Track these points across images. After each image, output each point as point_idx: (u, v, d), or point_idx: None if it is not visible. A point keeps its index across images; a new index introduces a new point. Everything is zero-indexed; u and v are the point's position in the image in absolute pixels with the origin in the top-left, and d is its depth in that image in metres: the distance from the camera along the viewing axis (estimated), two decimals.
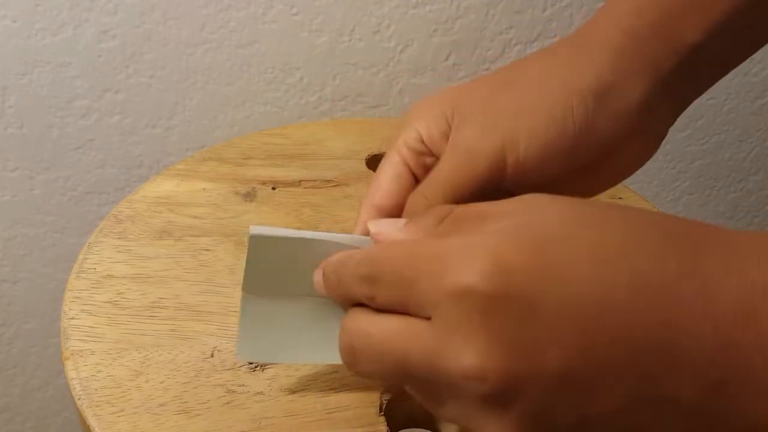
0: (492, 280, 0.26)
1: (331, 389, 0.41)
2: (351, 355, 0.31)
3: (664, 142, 0.42)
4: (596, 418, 0.27)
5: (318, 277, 0.35)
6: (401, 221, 0.34)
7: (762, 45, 0.41)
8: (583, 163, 0.38)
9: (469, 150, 0.36)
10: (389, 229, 0.33)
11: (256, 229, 0.35)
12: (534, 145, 0.36)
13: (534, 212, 0.29)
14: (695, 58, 0.38)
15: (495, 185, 0.37)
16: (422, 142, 0.38)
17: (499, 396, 0.27)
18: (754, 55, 0.41)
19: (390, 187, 0.38)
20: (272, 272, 0.36)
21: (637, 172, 0.43)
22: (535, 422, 0.27)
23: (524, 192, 0.35)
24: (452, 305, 0.27)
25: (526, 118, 0.36)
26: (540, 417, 0.27)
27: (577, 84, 0.37)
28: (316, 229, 0.50)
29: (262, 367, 0.42)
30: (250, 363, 0.41)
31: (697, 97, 0.41)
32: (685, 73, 0.39)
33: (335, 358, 0.33)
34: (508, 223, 0.29)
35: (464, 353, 0.27)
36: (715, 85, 0.42)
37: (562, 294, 0.27)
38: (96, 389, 0.39)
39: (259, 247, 0.36)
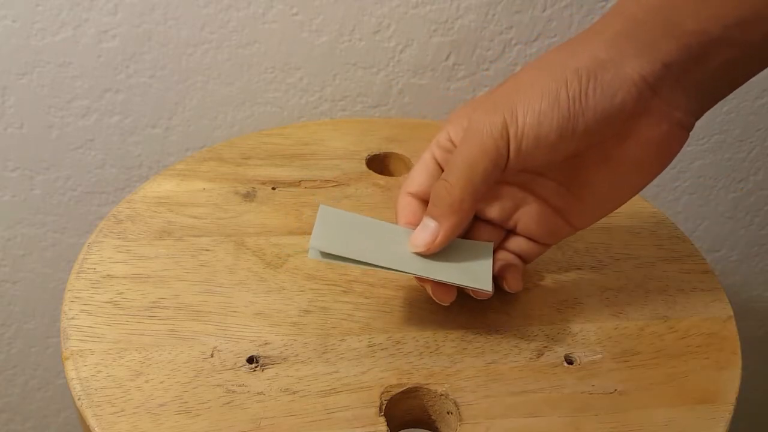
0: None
1: (331, 389, 0.41)
2: None
3: None
4: None
5: None
6: None
7: None
8: (590, 141, 0.40)
9: (477, 129, 0.40)
10: None
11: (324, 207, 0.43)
12: (530, 116, 0.39)
13: None
14: (705, 48, 0.38)
15: (505, 164, 0.40)
16: (450, 141, 0.43)
17: None
18: None
19: (420, 178, 0.44)
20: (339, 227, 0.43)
21: None
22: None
23: (538, 170, 0.43)
24: None
25: (522, 93, 0.39)
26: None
27: (572, 63, 0.39)
28: None
29: (262, 367, 0.42)
30: (323, 255, 0.41)
31: (727, 93, 0.41)
32: (695, 63, 0.39)
33: (400, 266, 0.41)
34: None
35: None
36: None
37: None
38: (96, 389, 0.39)
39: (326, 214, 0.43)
